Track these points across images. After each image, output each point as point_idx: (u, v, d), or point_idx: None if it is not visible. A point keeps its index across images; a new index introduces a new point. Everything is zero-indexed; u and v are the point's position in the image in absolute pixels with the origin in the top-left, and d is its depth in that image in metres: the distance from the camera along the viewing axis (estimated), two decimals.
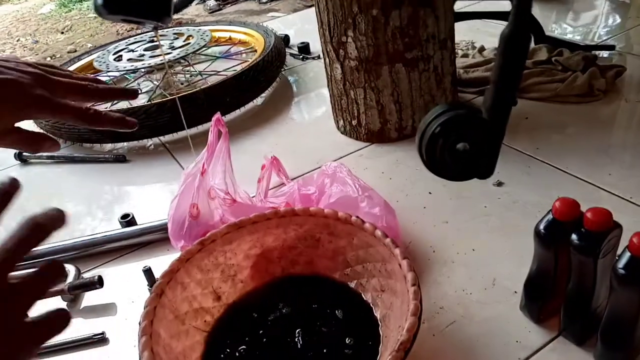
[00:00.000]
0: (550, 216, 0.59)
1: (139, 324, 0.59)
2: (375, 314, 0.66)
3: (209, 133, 0.93)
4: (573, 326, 0.61)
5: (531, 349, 0.62)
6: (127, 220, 0.92)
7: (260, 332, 0.66)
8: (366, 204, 0.79)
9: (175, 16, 3.08)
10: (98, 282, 0.77)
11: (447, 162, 0.51)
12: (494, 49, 1.32)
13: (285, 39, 1.66)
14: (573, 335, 0.62)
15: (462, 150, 0.51)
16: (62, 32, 3.34)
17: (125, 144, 1.25)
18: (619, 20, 1.59)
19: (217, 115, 0.97)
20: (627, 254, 0.52)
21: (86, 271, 0.86)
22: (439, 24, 1.00)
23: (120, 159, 1.18)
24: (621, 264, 0.52)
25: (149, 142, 1.24)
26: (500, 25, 1.28)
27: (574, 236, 0.56)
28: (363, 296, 0.69)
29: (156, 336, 0.59)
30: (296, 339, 0.64)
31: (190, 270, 0.68)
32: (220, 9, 2.72)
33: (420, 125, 0.52)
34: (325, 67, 1.12)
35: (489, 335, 0.64)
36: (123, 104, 1.33)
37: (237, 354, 0.64)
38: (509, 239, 0.78)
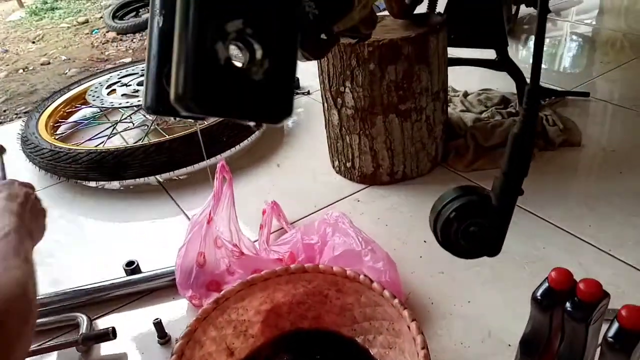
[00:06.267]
0: (546, 284, 0.64)
1: None
2: None
3: (214, 180, 0.96)
4: None
5: None
6: (132, 268, 0.94)
7: None
8: (370, 258, 0.84)
9: None
10: (112, 334, 0.79)
11: (459, 242, 0.56)
12: (477, 94, 1.39)
13: None
14: None
15: (473, 232, 0.56)
16: (34, 42, 3.25)
17: (123, 182, 1.26)
18: (587, 65, 1.70)
19: (222, 162, 1.00)
20: (616, 325, 0.58)
21: (95, 318, 0.87)
22: (433, 78, 1.06)
23: None
24: (611, 333, 0.58)
25: (146, 180, 1.25)
26: (475, 71, 1.36)
27: (567, 305, 0.62)
28: (370, 351, 0.73)
29: None
30: None
31: (206, 328, 0.71)
32: None
33: (435, 206, 0.58)
34: (324, 111, 1.17)
35: None
36: (121, 144, 1.35)
37: None
38: (500, 291, 0.84)
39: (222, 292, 0.74)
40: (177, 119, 1.44)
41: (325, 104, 1.14)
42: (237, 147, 1.31)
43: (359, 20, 0.49)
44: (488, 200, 0.55)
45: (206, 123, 1.28)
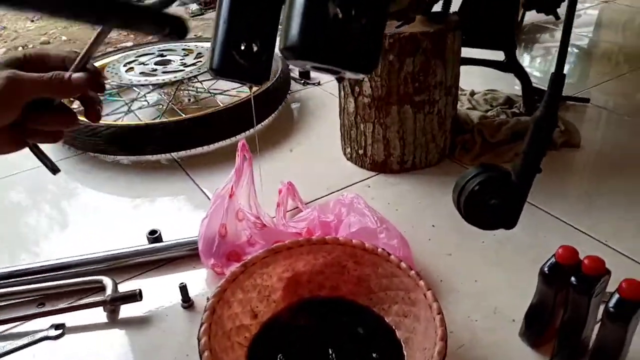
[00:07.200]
0: (553, 260, 0.70)
1: (198, 339, 0.66)
2: (398, 336, 0.76)
3: (236, 157, 1.00)
4: (564, 351, 0.73)
5: None
6: (155, 236, 0.97)
7: (292, 347, 0.75)
8: (384, 236, 0.89)
9: None
10: (139, 295, 0.83)
11: (480, 214, 0.62)
12: (484, 94, 1.46)
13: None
14: (563, 359, 0.73)
15: (493, 205, 0.62)
16: (33, 21, 3.23)
17: (139, 157, 1.29)
18: (583, 75, 1.77)
19: (243, 141, 1.05)
20: (617, 296, 0.64)
21: (119, 283, 0.91)
22: (447, 73, 1.11)
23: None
24: (612, 303, 0.64)
25: (161, 157, 1.29)
26: (480, 71, 1.41)
27: (572, 278, 0.67)
28: (385, 319, 0.78)
29: (213, 351, 0.66)
30: (329, 354, 0.73)
31: (235, 290, 0.76)
32: (203, 14, 2.71)
33: (459, 182, 0.63)
34: (340, 99, 1.22)
35: (493, 358, 0.75)
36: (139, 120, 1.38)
37: None
38: (505, 273, 0.90)
39: (249, 257, 0.79)
40: (190, 99, 1.48)
41: (342, 92, 1.19)
42: (252, 130, 1.36)
43: (407, 2, 0.54)
44: (509, 177, 0.61)
45: (222, 106, 1.32)
